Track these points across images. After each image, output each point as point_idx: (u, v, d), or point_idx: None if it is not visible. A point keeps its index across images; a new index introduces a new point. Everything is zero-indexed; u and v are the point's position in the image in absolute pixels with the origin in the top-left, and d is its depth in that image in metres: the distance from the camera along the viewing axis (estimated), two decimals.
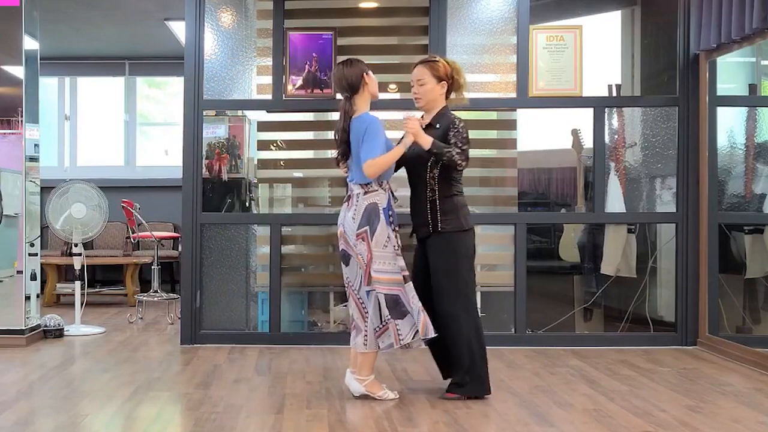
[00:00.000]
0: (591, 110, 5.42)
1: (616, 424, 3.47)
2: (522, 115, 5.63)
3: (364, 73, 3.89)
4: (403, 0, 5.72)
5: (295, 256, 5.79)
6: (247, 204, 5.89)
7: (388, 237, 3.77)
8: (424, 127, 3.89)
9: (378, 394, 3.86)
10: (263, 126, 5.79)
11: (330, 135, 5.99)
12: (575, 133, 5.89)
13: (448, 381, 3.99)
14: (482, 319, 5.56)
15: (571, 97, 5.42)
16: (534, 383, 4.27)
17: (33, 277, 5.52)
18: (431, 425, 3.48)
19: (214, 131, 5.81)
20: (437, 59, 4.04)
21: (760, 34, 4.64)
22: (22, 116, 5.40)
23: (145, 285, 7.66)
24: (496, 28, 5.53)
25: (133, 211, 6.80)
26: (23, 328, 5.36)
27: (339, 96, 5.38)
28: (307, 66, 5.40)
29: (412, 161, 3.94)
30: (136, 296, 7.02)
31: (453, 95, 4.04)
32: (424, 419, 3.57)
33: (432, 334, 3.77)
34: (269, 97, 5.47)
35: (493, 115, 5.88)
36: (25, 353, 5.11)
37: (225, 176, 5.75)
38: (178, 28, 7.17)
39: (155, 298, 6.63)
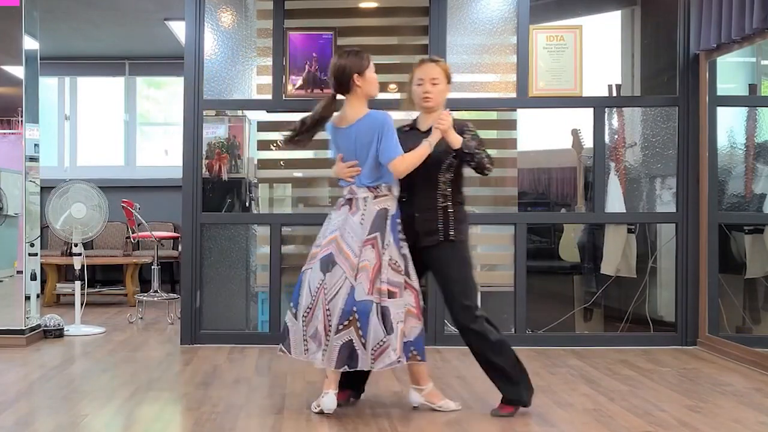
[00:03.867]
0: (591, 110, 5.41)
1: (616, 424, 3.47)
2: (522, 115, 5.63)
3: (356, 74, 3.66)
4: (403, 0, 5.72)
5: (295, 256, 5.79)
6: (247, 204, 5.89)
7: (387, 245, 3.57)
8: (424, 131, 3.68)
9: (438, 404, 3.70)
10: (263, 126, 5.80)
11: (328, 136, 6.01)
12: (575, 133, 5.89)
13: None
14: None
15: (571, 97, 5.42)
16: (534, 383, 4.26)
17: (33, 277, 5.52)
18: (431, 425, 3.48)
19: (214, 131, 5.81)
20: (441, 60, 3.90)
21: (760, 34, 4.64)
22: (22, 116, 5.40)
23: (145, 285, 7.66)
24: (496, 28, 5.53)
25: (133, 211, 6.80)
26: (23, 328, 5.35)
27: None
28: (307, 66, 5.40)
29: (425, 163, 3.59)
30: (136, 296, 7.02)
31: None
32: (424, 419, 3.57)
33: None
34: (269, 97, 5.46)
35: (493, 115, 5.88)
36: (25, 353, 5.11)
37: (225, 176, 5.74)
38: (178, 28, 7.17)
39: (155, 298, 6.62)
